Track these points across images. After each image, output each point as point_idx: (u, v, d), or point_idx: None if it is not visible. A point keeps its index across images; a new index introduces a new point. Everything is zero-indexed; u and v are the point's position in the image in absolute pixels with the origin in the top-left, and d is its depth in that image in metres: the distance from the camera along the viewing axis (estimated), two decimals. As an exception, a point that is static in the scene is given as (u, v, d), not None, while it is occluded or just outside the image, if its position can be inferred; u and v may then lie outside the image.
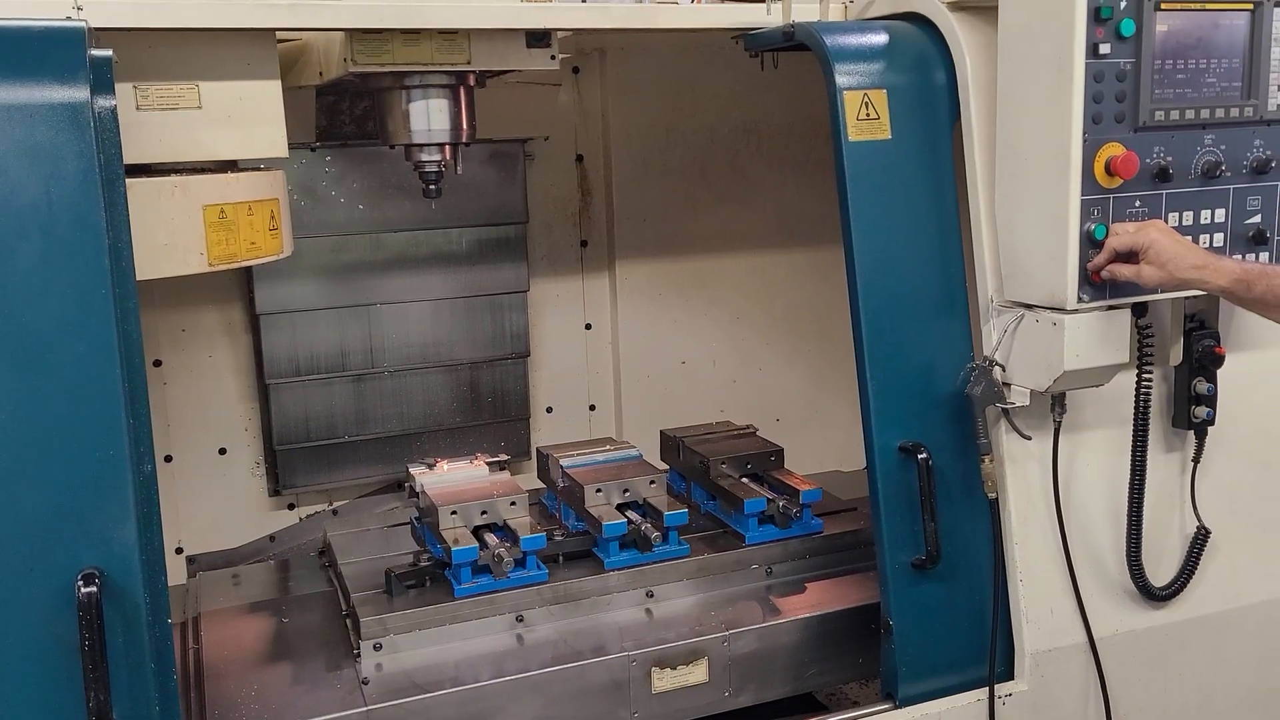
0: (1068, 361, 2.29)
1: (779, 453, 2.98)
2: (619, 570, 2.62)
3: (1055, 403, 2.44)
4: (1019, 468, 2.49)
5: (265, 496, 3.35)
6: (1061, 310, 2.28)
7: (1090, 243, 2.24)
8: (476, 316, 3.44)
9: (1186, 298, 2.47)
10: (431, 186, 2.79)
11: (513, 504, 2.58)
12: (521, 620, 2.53)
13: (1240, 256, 2.40)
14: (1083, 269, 2.24)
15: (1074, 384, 2.38)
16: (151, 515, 1.93)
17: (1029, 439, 2.46)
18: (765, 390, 3.80)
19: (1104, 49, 2.18)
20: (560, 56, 2.64)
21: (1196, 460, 2.60)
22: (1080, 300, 2.26)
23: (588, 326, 3.65)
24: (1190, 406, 2.56)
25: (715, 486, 2.90)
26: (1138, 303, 2.37)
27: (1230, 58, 2.34)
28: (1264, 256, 2.43)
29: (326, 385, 3.29)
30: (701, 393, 3.72)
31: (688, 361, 3.72)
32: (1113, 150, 2.21)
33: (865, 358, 2.44)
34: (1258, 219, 2.42)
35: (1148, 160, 2.27)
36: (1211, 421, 2.57)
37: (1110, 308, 2.32)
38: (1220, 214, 2.39)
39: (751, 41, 2.69)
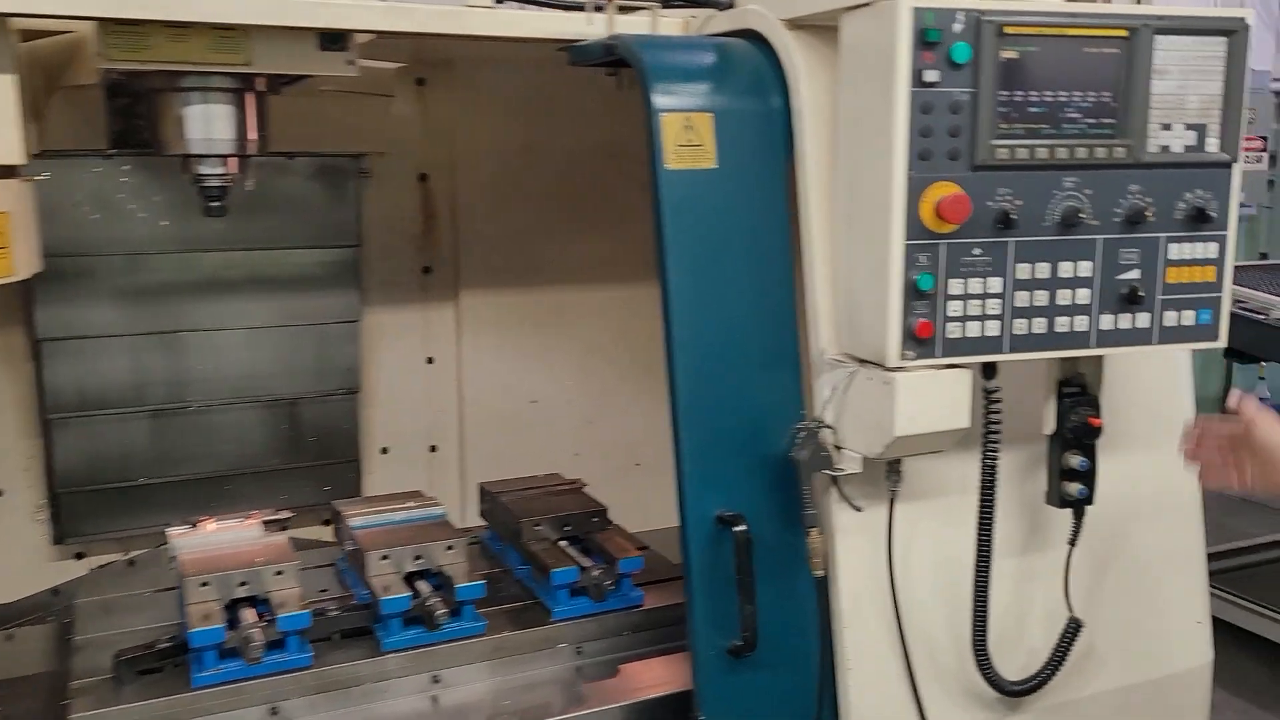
0: (899, 426, 2.01)
1: (602, 513, 2.66)
2: (398, 652, 2.29)
3: (890, 470, 2.17)
4: (851, 542, 2.21)
5: (48, 545, 2.98)
6: (890, 368, 2.00)
7: (915, 293, 1.96)
8: (300, 347, 3.13)
9: (1063, 359, 2.20)
10: (214, 203, 2.46)
11: (278, 574, 2.23)
12: (276, 713, 2.17)
13: (1112, 317, 2.14)
14: (906, 322, 1.97)
15: (909, 450, 2.10)
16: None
17: (859, 510, 2.18)
18: (624, 432, 3.50)
19: (930, 76, 1.89)
20: (361, 62, 2.34)
21: (1072, 543, 2.31)
22: (905, 357, 1.98)
23: (429, 360, 3.34)
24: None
25: (527, 551, 2.59)
26: (986, 362, 2.11)
27: (1099, 91, 2.08)
28: (1141, 318, 2.14)
29: (120, 421, 2.95)
30: (554, 434, 3.43)
31: (539, 400, 3.43)
32: (942, 190, 1.94)
33: (680, 414, 2.17)
34: (1134, 274, 2.16)
35: (988, 203, 1.99)
36: (1088, 500, 2.28)
37: (949, 366, 2.05)
38: (1085, 267, 2.10)
39: (575, 54, 2.40)
